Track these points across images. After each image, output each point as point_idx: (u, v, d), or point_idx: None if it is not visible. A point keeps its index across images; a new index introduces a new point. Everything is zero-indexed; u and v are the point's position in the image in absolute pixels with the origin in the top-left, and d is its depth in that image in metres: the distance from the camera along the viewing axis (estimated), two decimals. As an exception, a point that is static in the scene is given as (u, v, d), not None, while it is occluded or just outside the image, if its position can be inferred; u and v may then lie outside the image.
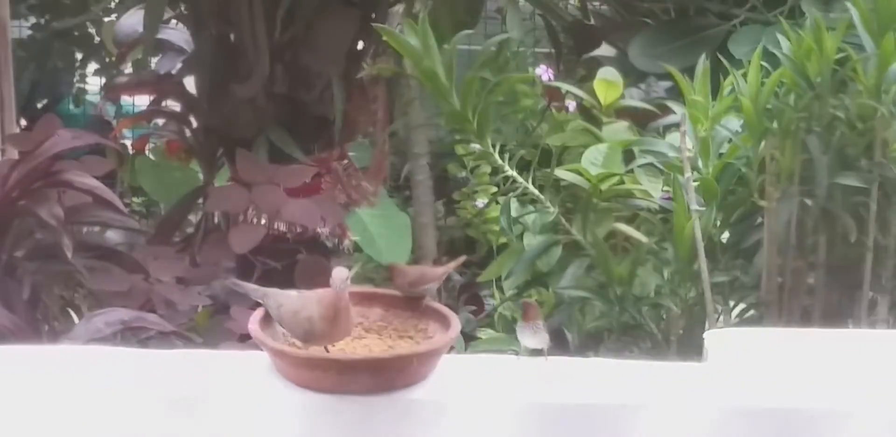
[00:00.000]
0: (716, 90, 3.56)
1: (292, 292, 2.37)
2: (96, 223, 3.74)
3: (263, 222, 4.11)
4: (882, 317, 3.43)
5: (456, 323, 2.41)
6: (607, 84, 4.23)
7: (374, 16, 4.47)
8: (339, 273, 2.25)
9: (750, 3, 5.19)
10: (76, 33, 6.74)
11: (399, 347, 2.42)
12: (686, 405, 2.31)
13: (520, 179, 3.83)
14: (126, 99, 6.61)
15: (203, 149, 4.59)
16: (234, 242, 3.80)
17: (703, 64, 3.57)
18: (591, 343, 3.78)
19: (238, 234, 3.89)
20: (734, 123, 3.55)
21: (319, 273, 3.93)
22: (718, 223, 3.57)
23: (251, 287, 2.48)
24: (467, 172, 6.08)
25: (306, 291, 2.36)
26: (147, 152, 5.55)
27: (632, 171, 3.88)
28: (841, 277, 3.50)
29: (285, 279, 2.68)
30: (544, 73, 4.47)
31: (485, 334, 4.28)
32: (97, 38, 6.67)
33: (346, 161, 4.48)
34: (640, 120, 4.24)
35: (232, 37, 4.44)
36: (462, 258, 2.73)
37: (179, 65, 4.75)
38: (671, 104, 3.84)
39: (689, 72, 3.61)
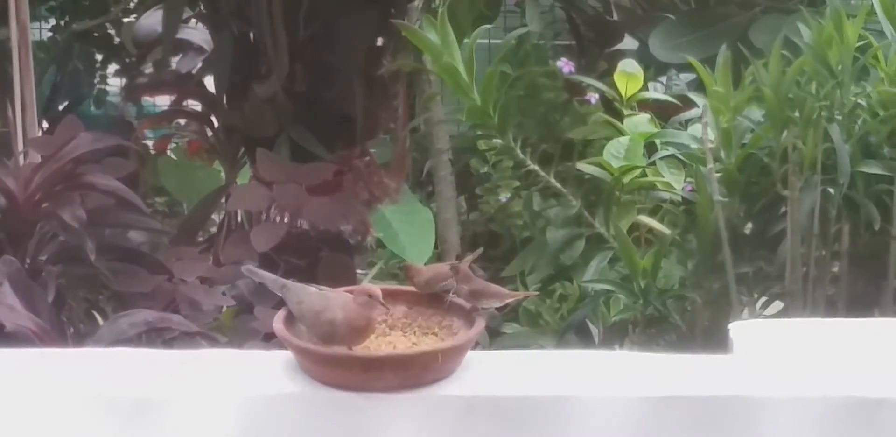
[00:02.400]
0: (737, 80, 3.54)
1: (311, 289, 2.36)
2: (119, 225, 3.74)
3: (286, 220, 4.11)
4: (908, 305, 3.42)
5: (480, 319, 2.41)
6: (628, 76, 4.22)
7: (393, 12, 4.47)
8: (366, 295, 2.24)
9: (770, -9, 5.17)
10: (96, 34, 6.74)
11: (423, 343, 2.41)
12: (712, 396, 2.30)
13: (542, 173, 3.84)
14: (147, 99, 6.63)
15: (225, 148, 4.61)
16: (255, 240, 3.81)
17: (723, 54, 3.56)
18: (616, 336, 3.78)
19: (259, 232, 3.90)
20: (756, 113, 3.54)
21: (343, 271, 3.96)
22: (741, 214, 3.56)
23: (269, 277, 2.45)
24: (489, 166, 6.07)
25: (327, 289, 2.35)
26: (169, 152, 5.56)
27: (654, 163, 3.88)
28: (865, 266, 3.49)
29: (309, 277, 2.68)
30: (565, 66, 4.45)
31: (510, 329, 4.27)
32: (117, 39, 6.68)
33: (367, 158, 4.47)
34: (662, 113, 4.23)
35: (251, 35, 4.45)
36: (479, 251, 2.71)
37: (199, 64, 4.77)
38: (692, 96, 3.83)
39: (711, 62, 3.60)
